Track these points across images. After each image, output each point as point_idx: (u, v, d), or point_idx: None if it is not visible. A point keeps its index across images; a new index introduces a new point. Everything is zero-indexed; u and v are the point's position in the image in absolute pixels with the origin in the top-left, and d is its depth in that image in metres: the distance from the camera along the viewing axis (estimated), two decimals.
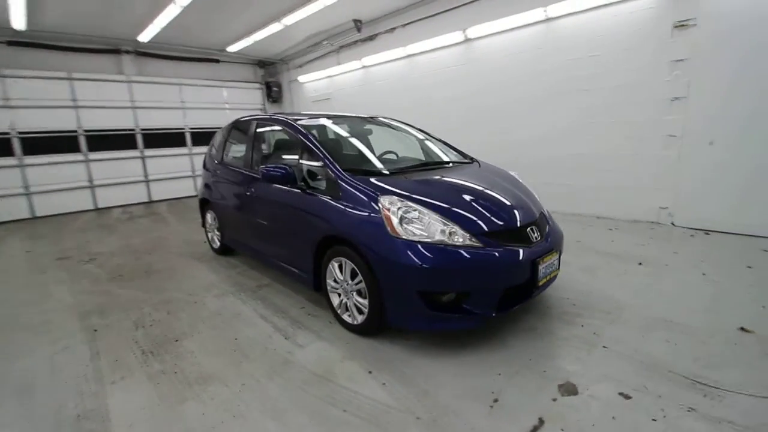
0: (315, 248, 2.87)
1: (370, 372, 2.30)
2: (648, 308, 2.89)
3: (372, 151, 3.48)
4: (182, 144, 9.65)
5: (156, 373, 2.40)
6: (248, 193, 3.66)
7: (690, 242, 4.27)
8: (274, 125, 3.72)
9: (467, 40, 6.39)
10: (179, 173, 9.64)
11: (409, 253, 2.28)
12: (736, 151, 4.23)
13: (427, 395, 2.09)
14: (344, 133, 3.64)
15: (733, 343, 2.41)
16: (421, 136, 3.95)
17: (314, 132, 3.21)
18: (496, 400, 2.01)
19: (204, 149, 9.91)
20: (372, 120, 3.97)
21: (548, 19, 5.40)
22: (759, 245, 3.96)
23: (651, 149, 4.80)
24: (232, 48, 9.03)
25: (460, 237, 2.32)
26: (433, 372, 2.27)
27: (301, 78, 10.15)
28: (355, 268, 2.57)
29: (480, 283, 2.31)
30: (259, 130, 3.86)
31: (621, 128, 5.00)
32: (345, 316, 2.79)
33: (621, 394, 2.01)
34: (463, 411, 1.95)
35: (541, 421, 1.85)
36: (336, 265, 2.75)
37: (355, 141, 3.57)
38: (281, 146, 3.96)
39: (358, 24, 7.69)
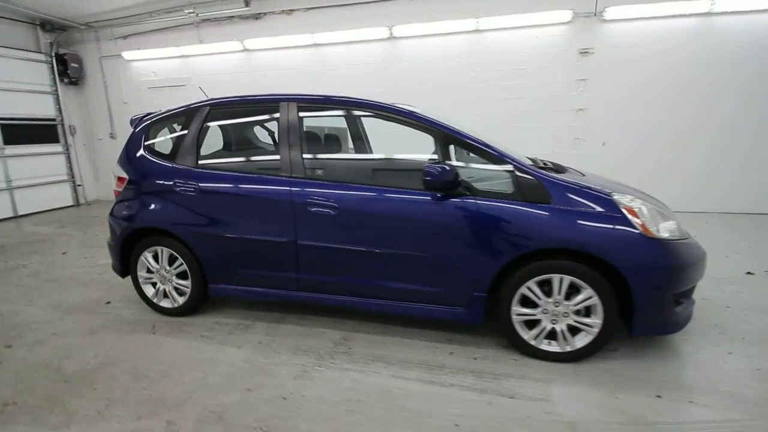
0: (498, 270, 2.22)
1: (659, 396, 1.99)
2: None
3: None
4: None
5: None
6: (313, 210, 2.43)
7: None
8: (344, 109, 2.62)
9: (392, 37, 6.18)
10: None
11: (670, 253, 2.10)
12: (621, 149, 5.78)
13: (743, 397, 1.97)
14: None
15: None
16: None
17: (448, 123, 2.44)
18: None
19: None
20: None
21: (478, 31, 5.87)
22: None
23: (564, 150, 5.96)
24: None
25: (680, 230, 2.28)
26: (692, 371, 2.18)
27: (129, 54, 7.35)
28: (580, 284, 2.14)
29: (701, 273, 2.34)
30: (303, 114, 2.61)
31: (542, 132, 5.99)
32: (544, 346, 2.29)
33: None
34: None
35: None
36: (535, 285, 2.21)
37: None
38: (334, 140, 2.89)
39: None
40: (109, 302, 3.29)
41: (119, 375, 2.29)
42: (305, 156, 2.57)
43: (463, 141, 2.32)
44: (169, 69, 7.38)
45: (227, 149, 3.03)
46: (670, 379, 2.13)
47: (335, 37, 6.38)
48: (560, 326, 2.24)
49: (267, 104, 2.76)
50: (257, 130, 3.18)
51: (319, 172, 2.58)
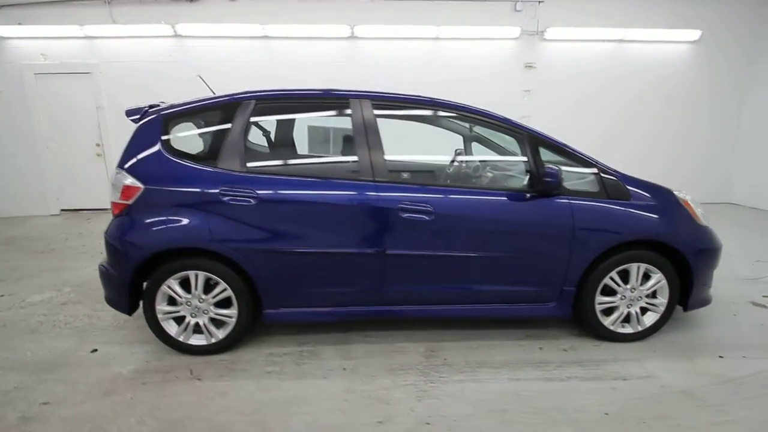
0: (588, 264, 2.39)
1: (721, 357, 2.40)
2: None
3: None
4: None
5: None
6: (405, 216, 2.26)
7: None
8: (426, 110, 2.46)
9: (353, 37, 6.01)
10: None
11: (712, 237, 2.53)
12: None
13: None
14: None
15: None
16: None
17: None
18: None
19: None
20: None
21: (438, 39, 6.10)
22: None
23: None
24: None
25: (707, 218, 2.75)
26: (722, 332, 2.66)
27: (4, 29, 5.65)
28: (651, 269, 2.44)
29: None
30: (379, 112, 2.39)
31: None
32: (620, 329, 2.54)
33: None
34: None
35: None
36: (616, 274, 2.45)
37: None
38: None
39: None
40: (95, 350, 2.52)
41: None
42: (381, 158, 2.36)
43: (553, 144, 2.44)
44: (67, 52, 5.89)
45: (276, 151, 2.60)
46: (715, 342, 2.57)
47: (290, 31, 5.92)
48: (635, 309, 2.52)
49: (331, 101, 2.47)
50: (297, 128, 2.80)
51: (406, 175, 2.40)
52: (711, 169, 6.77)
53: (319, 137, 3.76)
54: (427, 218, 2.28)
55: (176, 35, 5.93)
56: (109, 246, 2.33)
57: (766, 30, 6.26)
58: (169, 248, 2.26)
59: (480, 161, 2.98)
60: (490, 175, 2.79)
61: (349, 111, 2.38)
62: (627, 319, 2.54)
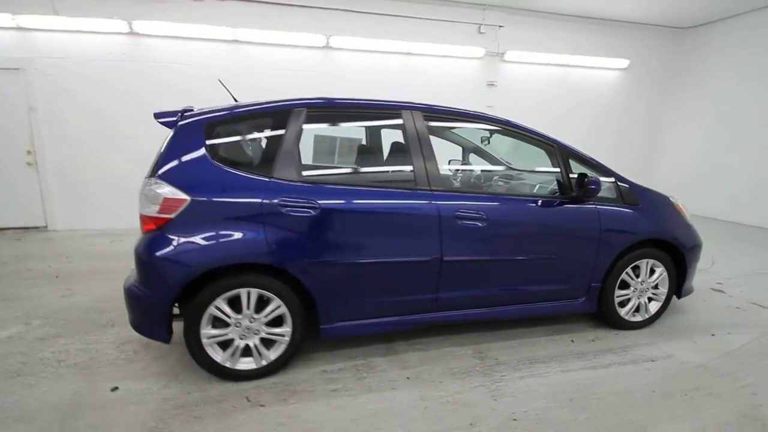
0: (612, 261, 2.69)
1: (713, 334, 2.84)
2: None
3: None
4: None
5: None
6: (461, 223, 2.34)
7: None
8: (474, 123, 2.56)
9: (328, 47, 5.98)
10: None
11: (696, 235, 2.99)
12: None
13: (748, 322, 2.99)
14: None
15: None
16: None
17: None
18: None
19: None
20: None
21: (410, 54, 6.32)
22: None
23: None
24: None
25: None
26: (701, 315, 3.14)
27: None
28: (658, 265, 2.82)
29: None
30: (434, 124, 2.48)
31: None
32: (628, 317, 2.88)
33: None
34: None
35: None
36: (630, 270, 2.78)
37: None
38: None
39: None
40: (116, 388, 2.18)
41: None
42: (435, 167, 2.43)
43: (578, 156, 2.70)
44: None
45: (325, 160, 2.50)
46: (701, 323, 3.03)
47: (262, 37, 5.71)
48: (643, 299, 2.88)
49: (381, 111, 2.48)
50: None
51: (458, 183, 2.49)
52: (638, 177, 7.86)
53: (324, 147, 3.69)
54: (480, 225, 2.40)
55: (132, 32, 5.37)
56: (145, 265, 2.06)
57: (681, 60, 7.52)
58: (225, 265, 2.07)
59: (514, 171, 3.20)
60: (512, 183, 3.00)
61: (400, 121, 2.42)
62: (637, 308, 2.89)
